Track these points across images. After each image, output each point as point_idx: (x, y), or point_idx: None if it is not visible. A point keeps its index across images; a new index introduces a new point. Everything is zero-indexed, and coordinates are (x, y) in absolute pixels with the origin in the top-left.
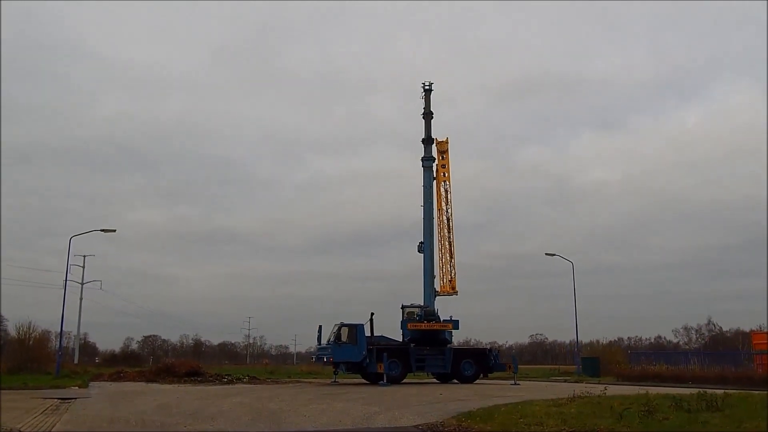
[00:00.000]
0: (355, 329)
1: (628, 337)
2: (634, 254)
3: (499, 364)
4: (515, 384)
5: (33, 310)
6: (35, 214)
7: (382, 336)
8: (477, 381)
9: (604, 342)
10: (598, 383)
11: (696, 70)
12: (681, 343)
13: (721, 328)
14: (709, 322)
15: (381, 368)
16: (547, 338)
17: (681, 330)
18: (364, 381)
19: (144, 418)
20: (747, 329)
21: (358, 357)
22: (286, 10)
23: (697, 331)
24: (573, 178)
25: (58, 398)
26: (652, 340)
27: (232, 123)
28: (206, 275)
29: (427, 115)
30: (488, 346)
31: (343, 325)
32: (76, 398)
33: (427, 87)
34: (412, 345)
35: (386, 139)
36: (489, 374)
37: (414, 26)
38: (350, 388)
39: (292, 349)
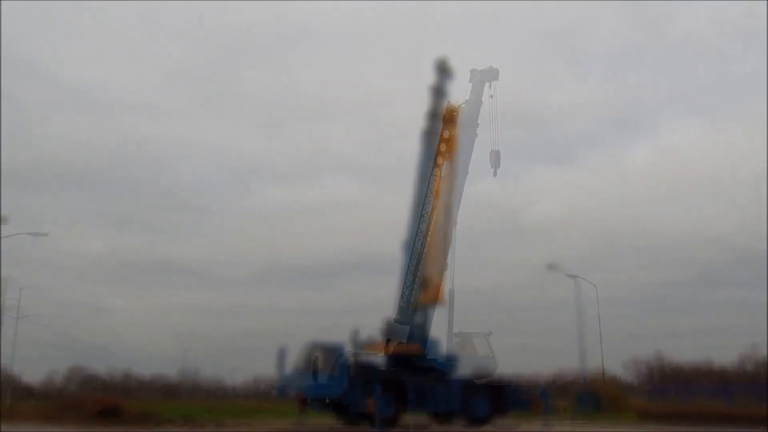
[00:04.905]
0: (334, 352)
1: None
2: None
3: (522, 401)
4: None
5: None
6: None
7: (366, 362)
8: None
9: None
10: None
11: (650, 107)
12: (630, 378)
13: (670, 363)
14: (658, 356)
15: (372, 406)
16: None
17: (631, 364)
18: (340, 422)
19: None
20: (694, 365)
21: (338, 391)
22: (249, 34)
23: (647, 365)
24: (524, 212)
25: None
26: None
27: (185, 148)
28: (146, 306)
29: (436, 92)
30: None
31: (317, 345)
32: None
33: (440, 64)
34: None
35: (340, 169)
36: (505, 414)
37: (375, 55)
38: None
39: (229, 382)
